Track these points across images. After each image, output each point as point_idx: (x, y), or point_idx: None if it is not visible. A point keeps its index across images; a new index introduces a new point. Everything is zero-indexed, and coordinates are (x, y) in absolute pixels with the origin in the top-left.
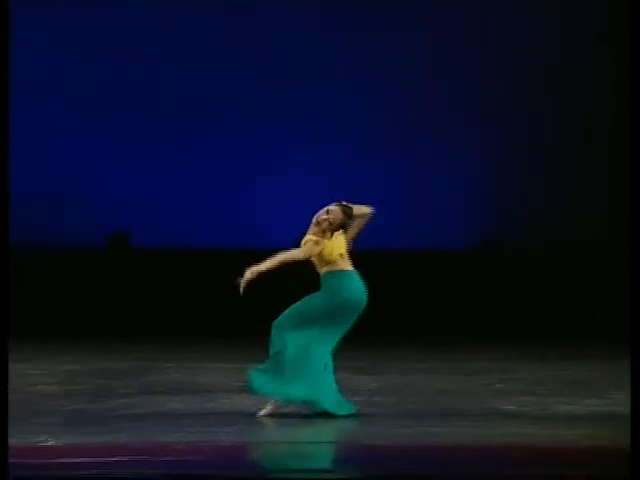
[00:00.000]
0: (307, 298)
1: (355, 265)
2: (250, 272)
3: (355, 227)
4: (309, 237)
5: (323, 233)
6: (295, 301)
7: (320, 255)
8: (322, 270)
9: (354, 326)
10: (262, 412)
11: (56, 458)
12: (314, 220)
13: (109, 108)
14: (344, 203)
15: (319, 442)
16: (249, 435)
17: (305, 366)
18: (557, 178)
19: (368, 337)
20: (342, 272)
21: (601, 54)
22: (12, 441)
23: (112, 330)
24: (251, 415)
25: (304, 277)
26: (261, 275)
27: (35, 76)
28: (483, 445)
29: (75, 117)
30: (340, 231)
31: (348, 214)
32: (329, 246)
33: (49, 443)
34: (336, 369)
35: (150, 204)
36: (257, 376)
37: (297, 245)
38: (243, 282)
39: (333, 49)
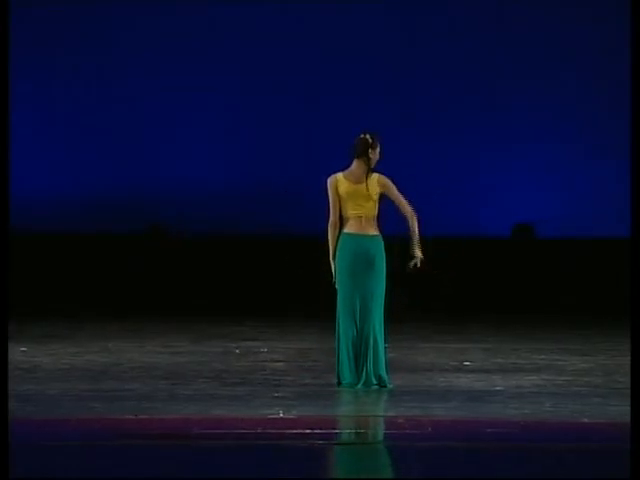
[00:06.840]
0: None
1: None
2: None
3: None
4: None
5: None
6: None
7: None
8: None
9: None
10: None
11: (285, 429)
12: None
13: None
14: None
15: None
16: (464, 411)
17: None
18: None
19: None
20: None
21: None
22: (247, 413)
23: None
24: (466, 392)
25: None
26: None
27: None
28: None
29: None
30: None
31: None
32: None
33: (280, 415)
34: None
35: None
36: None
37: None
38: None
39: None
